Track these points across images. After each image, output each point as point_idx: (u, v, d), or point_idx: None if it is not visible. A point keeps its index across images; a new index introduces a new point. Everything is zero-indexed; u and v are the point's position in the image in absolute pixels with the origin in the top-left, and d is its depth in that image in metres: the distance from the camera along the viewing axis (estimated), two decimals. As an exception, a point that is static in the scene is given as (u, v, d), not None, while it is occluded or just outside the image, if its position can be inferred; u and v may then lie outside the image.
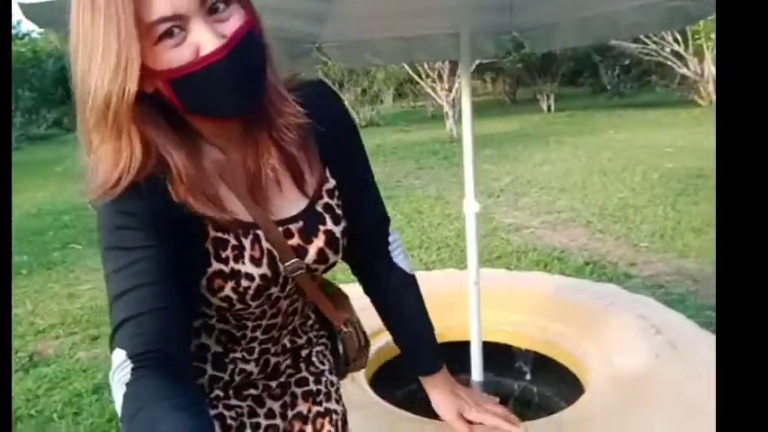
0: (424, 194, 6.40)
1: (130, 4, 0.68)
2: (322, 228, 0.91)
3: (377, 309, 1.11)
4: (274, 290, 0.90)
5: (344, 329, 1.10)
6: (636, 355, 1.87)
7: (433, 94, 12.43)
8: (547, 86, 14.85)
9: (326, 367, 1.11)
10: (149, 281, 0.73)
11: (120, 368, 0.70)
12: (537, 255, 4.28)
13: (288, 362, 1.05)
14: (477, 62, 11.57)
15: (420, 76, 12.45)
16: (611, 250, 4.41)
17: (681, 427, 1.47)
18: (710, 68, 12.32)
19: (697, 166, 6.79)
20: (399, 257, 1.07)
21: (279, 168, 0.86)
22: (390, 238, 1.06)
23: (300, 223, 0.89)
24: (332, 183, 0.93)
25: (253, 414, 1.03)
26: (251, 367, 1.00)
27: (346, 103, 0.93)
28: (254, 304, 0.88)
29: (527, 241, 4.67)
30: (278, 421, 1.04)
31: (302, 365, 1.08)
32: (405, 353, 1.12)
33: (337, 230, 0.92)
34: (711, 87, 12.78)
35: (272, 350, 1.01)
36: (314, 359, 1.09)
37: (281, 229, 0.88)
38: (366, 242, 1.02)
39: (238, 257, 0.84)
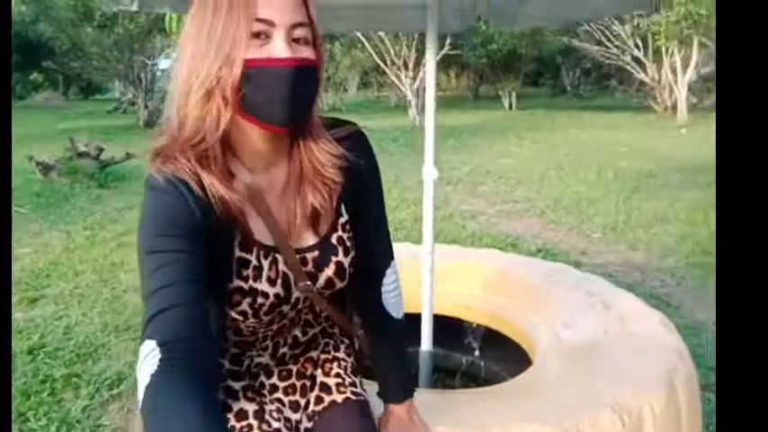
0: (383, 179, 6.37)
1: (248, 8, 0.82)
2: (334, 259, 1.00)
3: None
4: (285, 308, 0.99)
5: (359, 333, 1.19)
6: (583, 330, 1.88)
7: (397, 82, 12.42)
8: (509, 84, 15.00)
9: (336, 331, 1.20)
10: (183, 279, 0.80)
11: (147, 357, 0.75)
12: (491, 240, 4.30)
13: (302, 349, 1.15)
14: (442, 54, 11.61)
15: (386, 64, 12.41)
16: (564, 239, 4.47)
17: (625, 398, 1.47)
18: (668, 75, 12.63)
19: (648, 168, 6.97)
20: (391, 299, 1.13)
21: (308, 201, 0.96)
22: (386, 279, 1.12)
23: (316, 253, 0.99)
24: (345, 217, 1.02)
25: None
26: (265, 359, 1.10)
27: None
28: (265, 319, 0.97)
29: (482, 227, 4.70)
30: (290, 366, 1.14)
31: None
32: (377, 379, 1.20)
33: (346, 261, 1.02)
34: (667, 94, 13.12)
35: (283, 343, 1.09)
36: (325, 325, 1.18)
37: (297, 256, 0.97)
38: (363, 275, 1.08)
39: (257, 277, 0.94)
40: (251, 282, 0.93)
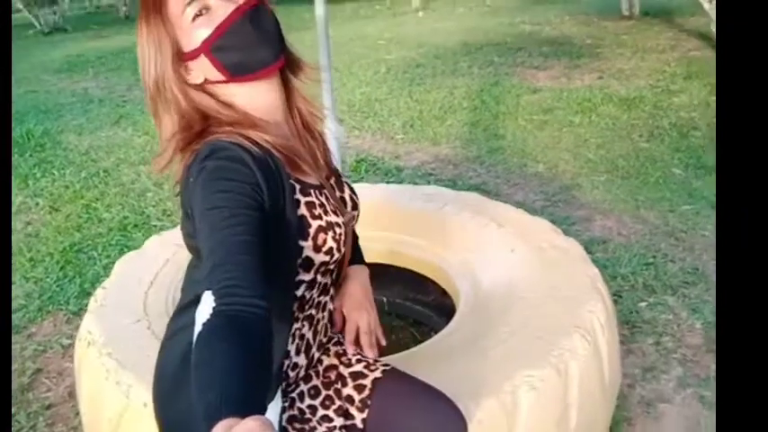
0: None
1: (168, 35, 0.95)
2: (343, 180, 1.13)
3: None
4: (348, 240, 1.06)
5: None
6: (492, 252, 1.98)
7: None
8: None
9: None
10: (243, 233, 0.82)
11: (204, 306, 0.77)
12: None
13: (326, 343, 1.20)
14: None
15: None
16: (373, 145, 4.58)
17: (580, 317, 1.60)
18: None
19: (411, 56, 7.30)
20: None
21: (320, 142, 1.10)
22: None
23: (333, 178, 1.10)
24: None
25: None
26: (301, 360, 1.11)
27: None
28: (343, 250, 1.03)
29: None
30: (315, 382, 1.15)
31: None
32: None
33: (349, 180, 1.15)
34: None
35: (314, 332, 1.11)
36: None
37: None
38: None
39: (326, 212, 1.01)
40: (325, 217, 1.00)
